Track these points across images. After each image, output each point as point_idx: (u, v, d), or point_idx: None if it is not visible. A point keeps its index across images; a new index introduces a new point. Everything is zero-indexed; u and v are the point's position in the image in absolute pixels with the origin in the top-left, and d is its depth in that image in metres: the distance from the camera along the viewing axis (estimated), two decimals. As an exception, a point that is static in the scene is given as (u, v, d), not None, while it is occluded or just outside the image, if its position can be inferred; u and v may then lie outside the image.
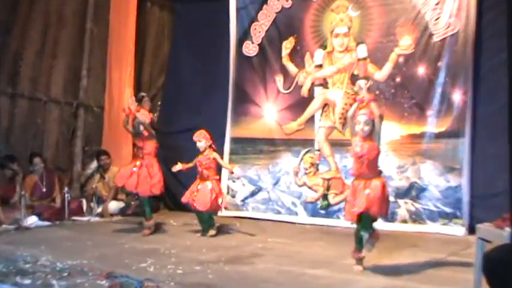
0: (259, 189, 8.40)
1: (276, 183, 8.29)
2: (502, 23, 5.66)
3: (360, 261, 5.10)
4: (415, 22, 7.41)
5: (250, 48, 8.67)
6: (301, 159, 8.12)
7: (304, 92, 8.18)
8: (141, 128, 6.94)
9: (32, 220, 7.38)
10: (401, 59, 7.49)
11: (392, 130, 7.37)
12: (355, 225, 5.12)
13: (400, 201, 7.24)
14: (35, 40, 8.68)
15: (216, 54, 8.90)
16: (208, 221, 6.93)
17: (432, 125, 7.27)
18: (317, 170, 8.02)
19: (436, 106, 7.24)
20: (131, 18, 9.38)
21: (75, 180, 9.10)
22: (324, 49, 8.08)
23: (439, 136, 7.22)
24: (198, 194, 6.80)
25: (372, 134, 5.05)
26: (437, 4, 7.29)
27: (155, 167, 7.02)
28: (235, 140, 8.70)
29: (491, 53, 6.85)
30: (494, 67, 6.75)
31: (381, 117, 5.10)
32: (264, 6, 8.53)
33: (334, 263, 5.33)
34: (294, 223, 7.86)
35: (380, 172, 5.12)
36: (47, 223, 7.50)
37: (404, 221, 7.24)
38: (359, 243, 5.09)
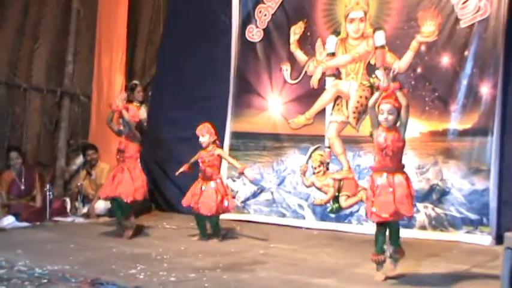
0: (262, 190, 8.36)
1: (280, 183, 8.26)
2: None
3: (380, 265, 5.07)
4: (439, 6, 7.32)
5: (254, 33, 8.62)
6: (310, 157, 8.08)
7: (314, 82, 8.13)
8: (126, 128, 6.90)
9: (9, 221, 7.40)
10: (423, 47, 7.41)
11: (411, 126, 7.24)
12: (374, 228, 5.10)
13: (419, 206, 7.17)
14: (14, 19, 8.63)
15: (215, 39, 8.85)
16: (215, 226, 6.92)
17: (456, 121, 7.19)
18: (327, 169, 7.98)
19: (461, 100, 7.16)
20: (123, -1, 9.36)
21: (58, 177, 9.12)
22: (337, 35, 8.02)
23: (464, 134, 7.15)
24: (202, 197, 6.75)
25: (397, 125, 5.02)
26: (465, -16, 7.22)
27: (137, 171, 7.00)
28: (236, 135, 8.67)
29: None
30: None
31: (407, 108, 5.04)
32: (272, -14, 8.50)
33: (343, 272, 5.30)
34: (300, 227, 7.83)
35: (403, 166, 5.09)
36: (25, 224, 7.50)
37: (423, 228, 7.19)
38: (378, 245, 5.06)
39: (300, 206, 8.05)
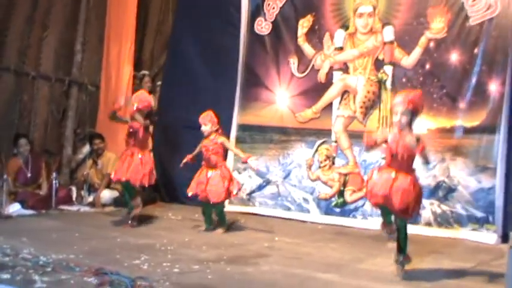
0: (268, 183, 8.34)
1: (286, 177, 8.23)
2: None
3: (392, 233, 5.06)
4: (449, 3, 7.29)
5: (263, 26, 8.58)
6: (316, 150, 8.05)
7: (322, 76, 8.10)
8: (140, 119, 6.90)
9: (14, 208, 7.39)
10: (432, 44, 7.39)
11: (419, 122, 7.23)
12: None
13: (425, 202, 7.12)
14: (24, 7, 8.61)
15: (224, 31, 8.83)
16: (220, 215, 6.91)
17: (464, 118, 7.17)
18: (333, 163, 7.96)
19: (470, 98, 7.14)
20: (133, -12, 9.34)
21: (64, 166, 9.12)
22: (346, 30, 7.99)
23: (471, 131, 7.12)
24: (209, 185, 6.73)
25: (411, 129, 4.96)
26: (475, -18, 7.17)
27: (146, 156, 7.02)
28: (243, 127, 8.65)
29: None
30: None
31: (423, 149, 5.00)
32: (281, -21, 8.45)
33: (347, 267, 5.28)
34: (305, 221, 7.82)
35: (413, 170, 5.04)
36: (31, 212, 7.50)
37: (429, 224, 7.17)
38: (387, 219, 5.05)
39: (305, 199, 8.03)
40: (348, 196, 7.77)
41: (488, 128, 7.01)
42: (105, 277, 4.40)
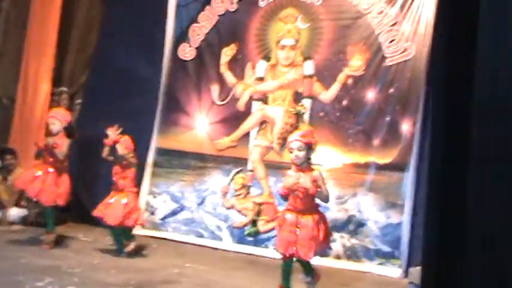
0: (182, 208, 8.28)
1: (201, 203, 8.20)
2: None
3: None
4: (368, 42, 7.53)
5: (187, 52, 8.59)
6: (232, 179, 8.07)
7: (241, 105, 8.18)
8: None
9: None
10: (350, 81, 7.59)
11: (334, 157, 7.44)
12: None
13: (336, 235, 7.26)
14: None
15: (147, 54, 8.77)
16: (123, 235, 6.81)
17: (377, 155, 7.36)
18: (248, 192, 7.99)
19: (383, 135, 7.35)
20: (56, 3, 9.17)
21: (-29, 181, 8.76)
22: (268, 61, 8.11)
23: (383, 168, 7.31)
24: (110, 207, 6.69)
25: (310, 165, 5.08)
26: (393, 25, 7.42)
27: (64, 176, 6.91)
28: (161, 151, 8.58)
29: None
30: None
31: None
32: (207, 7, 8.48)
33: (256, 297, 5.31)
34: (217, 249, 7.78)
35: (317, 206, 5.15)
36: None
37: (338, 257, 7.28)
38: (285, 280, 5.11)
39: (218, 227, 8.01)
40: (261, 226, 7.79)
41: (398, 166, 7.22)
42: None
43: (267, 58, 8.12)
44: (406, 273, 6.69)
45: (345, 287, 6.19)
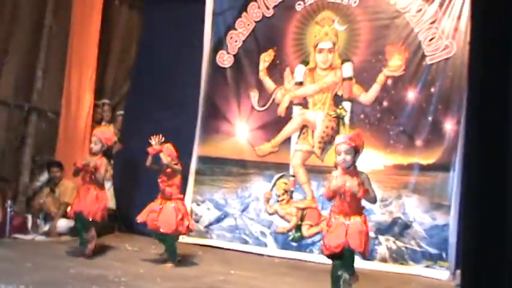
0: (226, 215, 8.37)
1: (244, 210, 8.27)
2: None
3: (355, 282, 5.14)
4: (407, 41, 7.48)
5: (225, 59, 8.67)
6: (274, 184, 8.12)
7: (281, 110, 8.21)
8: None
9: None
10: (389, 81, 7.55)
11: (375, 159, 7.41)
12: (331, 262, 5.15)
13: (381, 238, 7.26)
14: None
15: (187, 63, 8.88)
16: (170, 248, 6.86)
17: (420, 156, 7.31)
18: (291, 197, 8.03)
19: (426, 135, 7.30)
20: (96, 16, 9.37)
21: (21, 193, 8.98)
22: (306, 65, 8.12)
23: (427, 169, 7.26)
24: (161, 214, 6.75)
25: (356, 169, 5.09)
26: (432, 23, 7.35)
27: (102, 193, 7.12)
28: (203, 160, 8.68)
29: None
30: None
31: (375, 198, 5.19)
32: (243, 13, 8.54)
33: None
34: (262, 255, 7.83)
35: (363, 208, 5.16)
36: (-17, 240, 7.39)
37: (384, 260, 7.26)
38: (335, 284, 5.11)
39: (263, 233, 8.06)
40: (305, 231, 7.82)
41: (443, 166, 7.16)
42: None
43: (305, 62, 8.13)
44: (454, 276, 6.64)
45: (392, 290, 6.16)
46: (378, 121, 7.55)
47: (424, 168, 7.27)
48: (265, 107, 8.34)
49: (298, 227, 7.87)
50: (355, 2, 7.84)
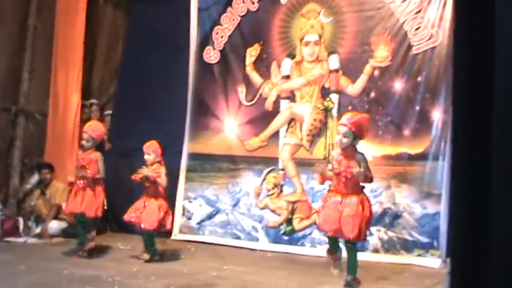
0: (217, 211, 8.40)
1: (235, 205, 8.31)
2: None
3: (336, 262, 5.19)
4: (392, 31, 7.52)
5: (212, 55, 8.69)
6: (264, 179, 8.15)
7: (269, 105, 8.24)
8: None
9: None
10: (376, 72, 7.59)
11: (364, 150, 7.40)
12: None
13: (372, 229, 7.27)
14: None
15: (174, 61, 8.90)
16: (148, 241, 6.93)
17: (409, 145, 7.36)
18: (281, 191, 8.06)
19: (414, 125, 7.35)
20: (80, 15, 9.32)
21: (11, 196, 8.97)
22: (292, 58, 8.15)
23: (415, 158, 7.31)
24: (145, 212, 6.82)
25: (354, 150, 5.15)
26: (418, 12, 7.38)
27: (98, 189, 7.12)
28: (193, 157, 8.71)
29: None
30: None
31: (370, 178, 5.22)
32: (228, 8, 8.56)
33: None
34: (254, 249, 7.86)
35: (362, 188, 5.21)
36: (-25, 244, 7.39)
37: (376, 251, 7.31)
38: (334, 247, 5.17)
39: (254, 228, 8.10)
40: (296, 224, 7.86)
41: (432, 155, 7.20)
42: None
43: (291, 55, 8.16)
44: (445, 263, 6.68)
45: (385, 280, 6.19)
46: (365, 112, 7.54)
47: (412, 158, 7.33)
48: (252, 102, 8.36)
49: (289, 221, 7.90)
50: (340, -7, 7.88)
